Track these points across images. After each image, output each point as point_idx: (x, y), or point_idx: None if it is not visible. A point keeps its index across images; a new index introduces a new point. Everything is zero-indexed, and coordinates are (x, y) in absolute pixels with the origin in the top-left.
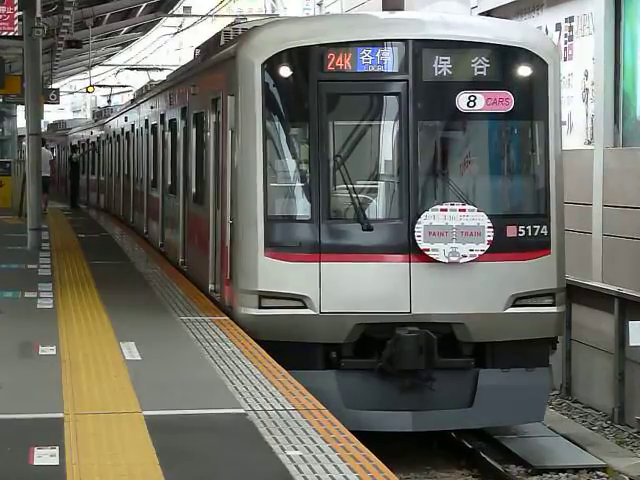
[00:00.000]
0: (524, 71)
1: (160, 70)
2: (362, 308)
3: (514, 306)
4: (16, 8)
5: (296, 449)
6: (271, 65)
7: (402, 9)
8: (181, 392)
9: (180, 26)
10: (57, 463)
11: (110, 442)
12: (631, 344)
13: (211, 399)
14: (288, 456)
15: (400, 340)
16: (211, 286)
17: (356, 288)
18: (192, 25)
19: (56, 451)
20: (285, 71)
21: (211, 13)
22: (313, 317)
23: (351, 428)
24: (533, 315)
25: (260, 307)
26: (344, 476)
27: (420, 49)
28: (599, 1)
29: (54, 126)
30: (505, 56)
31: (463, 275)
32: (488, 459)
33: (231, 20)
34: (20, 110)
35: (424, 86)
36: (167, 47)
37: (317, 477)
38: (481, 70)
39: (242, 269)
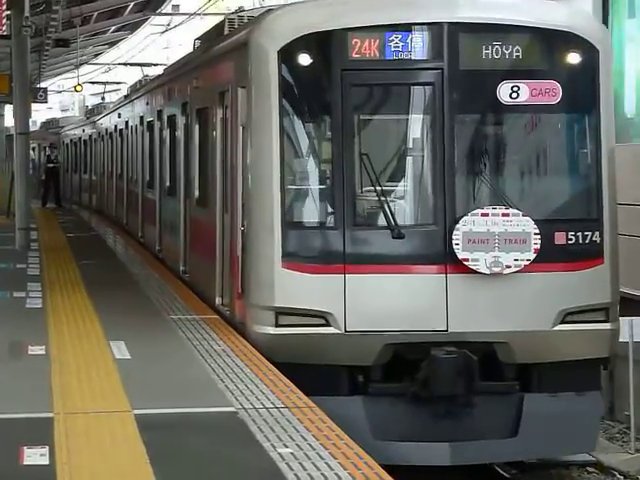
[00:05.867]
0: (573, 58)
1: (154, 66)
2: (392, 326)
3: (564, 322)
4: (4, 7)
5: (287, 447)
6: (288, 53)
7: None
8: (171, 391)
9: (168, 24)
10: (47, 462)
11: (100, 441)
12: (621, 340)
13: (202, 397)
14: (279, 454)
15: (436, 362)
16: (218, 299)
17: (385, 303)
18: (180, 23)
19: (46, 450)
20: (304, 59)
21: (199, 11)
22: (337, 336)
23: (380, 461)
24: (585, 332)
25: (277, 325)
26: (335, 473)
27: (456, 34)
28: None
29: (46, 124)
30: (551, 41)
31: (507, 288)
32: None
33: (220, 18)
34: (8, 109)
35: (461, 75)
36: (155, 46)
37: (308, 474)
38: (525, 57)
39: (256, 282)
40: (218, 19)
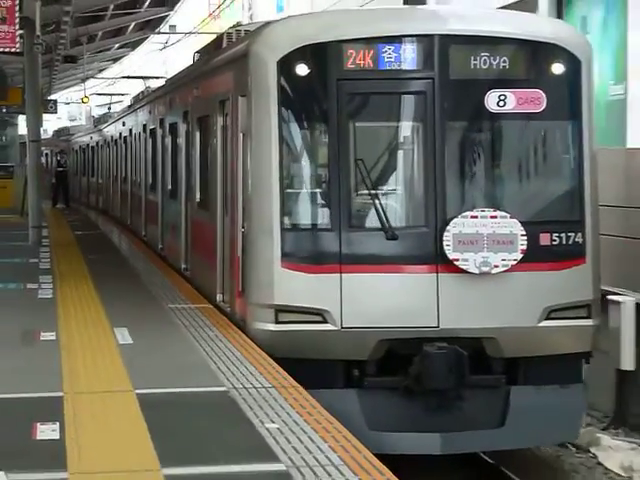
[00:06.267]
0: (557, 68)
1: (155, 78)
2: (386, 323)
3: (548, 319)
4: (17, 27)
5: (274, 422)
6: (287, 63)
7: (424, 3)
8: (169, 372)
9: (166, 42)
10: (58, 437)
11: (105, 418)
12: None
13: (197, 378)
14: (267, 429)
15: (428, 357)
16: (219, 296)
17: (380, 301)
18: (177, 41)
19: (57, 426)
20: (302, 69)
21: (194, 31)
22: (334, 333)
23: (374, 451)
24: (568, 328)
25: (277, 322)
26: (317, 446)
27: (446, 45)
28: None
29: (58, 132)
30: (536, 52)
31: (494, 287)
32: None
33: (213, 37)
34: (21, 119)
35: (451, 85)
36: (154, 61)
37: (293, 447)
38: (511, 67)
39: (257, 281)
40: (211, 37)
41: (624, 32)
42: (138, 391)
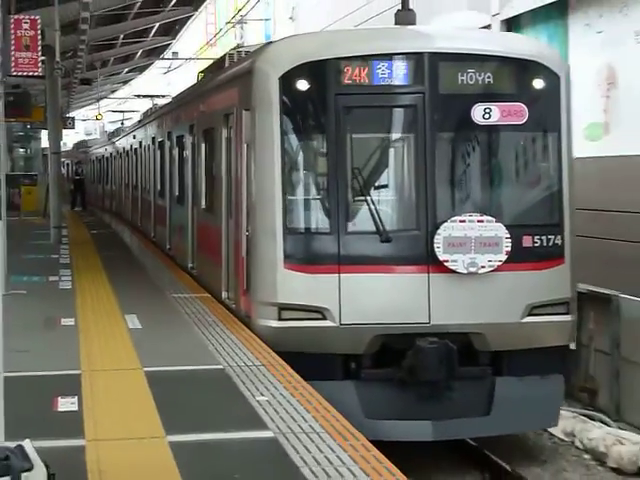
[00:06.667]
0: (537, 83)
1: (162, 97)
2: (381, 319)
3: (530, 315)
4: (40, 54)
5: (263, 395)
6: (288, 79)
7: (414, 24)
8: (173, 352)
9: (169, 67)
10: (76, 409)
11: (118, 392)
12: None
13: (197, 357)
14: (257, 401)
15: (421, 351)
16: (224, 294)
17: (375, 299)
18: (179, 66)
19: (75, 400)
20: (302, 85)
21: (194, 57)
22: (333, 329)
23: (371, 438)
24: (549, 324)
25: (280, 319)
26: (301, 416)
27: (436, 62)
28: None
29: (77, 145)
30: (519, 69)
31: (481, 285)
32: None
33: (209, 62)
34: (44, 134)
35: (440, 99)
36: (158, 83)
37: (280, 417)
38: (496, 82)
39: (261, 281)
40: (209, 62)
41: (565, 57)
42: (146, 369)
